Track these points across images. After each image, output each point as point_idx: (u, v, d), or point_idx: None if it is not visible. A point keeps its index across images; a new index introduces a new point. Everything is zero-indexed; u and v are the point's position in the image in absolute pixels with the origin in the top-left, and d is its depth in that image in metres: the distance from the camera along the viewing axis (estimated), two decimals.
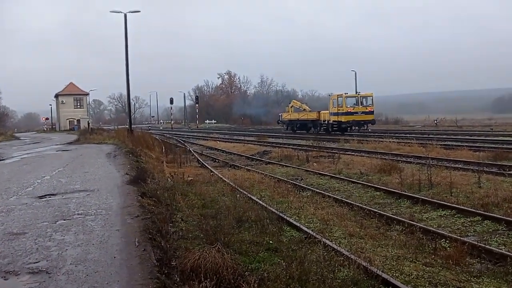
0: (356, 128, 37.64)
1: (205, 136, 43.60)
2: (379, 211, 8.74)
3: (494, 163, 14.41)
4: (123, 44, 31.57)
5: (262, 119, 76.68)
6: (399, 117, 66.75)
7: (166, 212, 7.82)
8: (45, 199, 9.73)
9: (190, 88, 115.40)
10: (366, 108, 37.07)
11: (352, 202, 9.67)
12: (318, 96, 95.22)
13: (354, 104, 37.21)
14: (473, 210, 8.44)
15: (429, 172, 11.27)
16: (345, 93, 38.36)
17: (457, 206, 8.84)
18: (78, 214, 8.06)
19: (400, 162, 15.68)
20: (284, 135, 39.06)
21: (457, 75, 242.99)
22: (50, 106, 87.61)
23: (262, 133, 42.23)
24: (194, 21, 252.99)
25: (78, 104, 76.36)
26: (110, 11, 32.15)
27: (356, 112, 36.56)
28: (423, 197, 9.81)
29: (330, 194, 10.80)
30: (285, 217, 8.34)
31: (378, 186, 11.58)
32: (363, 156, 18.41)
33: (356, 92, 41.41)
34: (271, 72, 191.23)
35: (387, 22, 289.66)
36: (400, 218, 8.12)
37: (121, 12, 31.77)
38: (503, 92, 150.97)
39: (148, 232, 6.48)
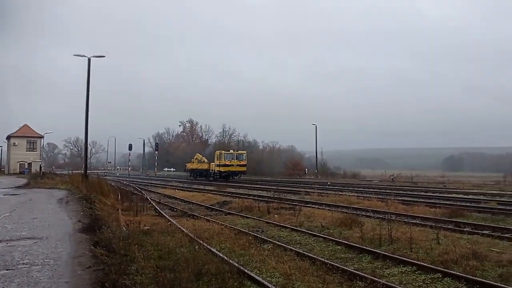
0: (235, 176, 50.48)
1: (163, 184, 42.78)
2: (342, 266, 8.60)
3: (451, 219, 14.74)
4: (79, 87, 31.46)
5: None
6: (357, 171, 68.23)
7: (121, 263, 7.36)
8: None
9: (150, 135, 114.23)
10: (240, 162, 50.57)
11: (314, 256, 9.51)
12: (279, 148, 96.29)
13: (231, 158, 50.47)
14: (434, 266, 8.44)
15: (389, 228, 11.32)
16: (224, 151, 53.05)
17: (417, 262, 8.84)
18: (23, 263, 7.45)
19: (360, 216, 15.77)
20: (244, 185, 38.88)
21: (409, 134, 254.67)
22: (1, 147, 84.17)
23: (222, 183, 41.94)
24: (152, 71, 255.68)
25: (31, 146, 73.47)
26: (74, 55, 31.90)
27: (232, 165, 49.98)
28: (384, 253, 9.78)
29: (291, 248, 10.60)
30: (246, 270, 8.05)
31: (340, 240, 11.49)
32: (324, 209, 18.43)
33: (243, 150, 57.66)
34: (233, 122, 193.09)
35: (331, 81, 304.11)
36: (363, 274, 7.99)
37: (85, 56, 31.57)
38: (453, 151, 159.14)
39: (100, 285, 6.03)
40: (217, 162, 51.23)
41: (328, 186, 36.69)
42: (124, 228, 11.83)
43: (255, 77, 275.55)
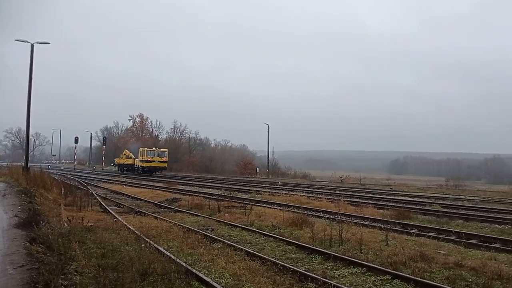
0: (157, 172, 54.79)
1: (110, 180, 41.37)
2: (293, 267, 8.44)
3: (398, 221, 15.04)
4: (23, 76, 29.52)
5: (172, 166, 75.17)
6: (307, 172, 69.09)
7: (58, 262, 6.80)
8: None
9: (98, 129, 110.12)
10: (162, 158, 54.99)
11: (264, 256, 9.30)
12: (231, 146, 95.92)
13: (154, 155, 54.53)
14: (383, 268, 8.46)
15: (340, 229, 11.32)
16: (146, 148, 56.43)
17: (367, 263, 8.83)
18: None
19: (311, 216, 15.77)
20: (194, 183, 38.26)
21: (356, 137, 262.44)
22: None
23: (172, 180, 41.12)
24: (99, 63, 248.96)
25: None
26: (15, 40, 29.91)
27: (154, 161, 54.23)
28: (334, 253, 9.73)
29: (242, 247, 10.36)
30: (194, 270, 7.72)
31: (290, 240, 11.37)
32: (275, 208, 18.34)
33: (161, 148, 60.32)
34: (185, 119, 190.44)
35: (279, 82, 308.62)
36: (314, 275, 7.87)
37: (27, 42, 29.67)
38: (398, 155, 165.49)
39: (32, 286, 5.51)
40: (140, 158, 54.85)
41: (279, 185, 36.80)
42: (65, 224, 11.13)
43: (204, 76, 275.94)
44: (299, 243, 11.04)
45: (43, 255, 7.20)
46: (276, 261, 8.93)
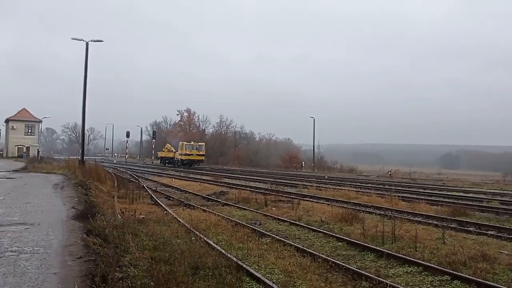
0: (195, 164, 58.65)
1: (160, 173, 42.42)
2: (345, 264, 8.23)
3: (454, 218, 14.38)
4: (77, 73, 30.71)
5: (218, 159, 76.22)
6: (354, 166, 67.79)
7: (114, 255, 6.96)
8: None
9: (148, 123, 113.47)
10: (199, 152, 59.41)
11: (315, 253, 9.11)
12: (276, 140, 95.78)
13: (192, 149, 58.82)
14: (441, 268, 8.06)
15: (393, 225, 10.94)
16: (185, 142, 60.72)
17: (423, 262, 8.46)
18: (11, 251, 7.06)
19: (360, 211, 15.39)
20: (240, 176, 38.51)
21: (404, 130, 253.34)
22: None
23: (218, 173, 41.61)
24: (144, 59, 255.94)
25: (30, 131, 72.69)
26: (72, 38, 31.22)
27: (192, 154, 58.62)
28: (387, 251, 9.41)
29: (291, 242, 10.23)
30: (244, 266, 7.68)
31: (340, 236, 11.11)
32: (323, 203, 18.06)
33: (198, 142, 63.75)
34: (230, 113, 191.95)
35: (317, 73, 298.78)
36: (368, 274, 7.61)
37: (83, 40, 30.87)
38: (450, 148, 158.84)
39: (90, 278, 5.64)
40: (180, 151, 59.49)
41: (326, 180, 36.34)
42: (119, 216, 11.45)
43: (246, 68, 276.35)
44: (349, 239, 10.77)
45: (99, 247, 7.38)
46: (327, 257, 8.75)
